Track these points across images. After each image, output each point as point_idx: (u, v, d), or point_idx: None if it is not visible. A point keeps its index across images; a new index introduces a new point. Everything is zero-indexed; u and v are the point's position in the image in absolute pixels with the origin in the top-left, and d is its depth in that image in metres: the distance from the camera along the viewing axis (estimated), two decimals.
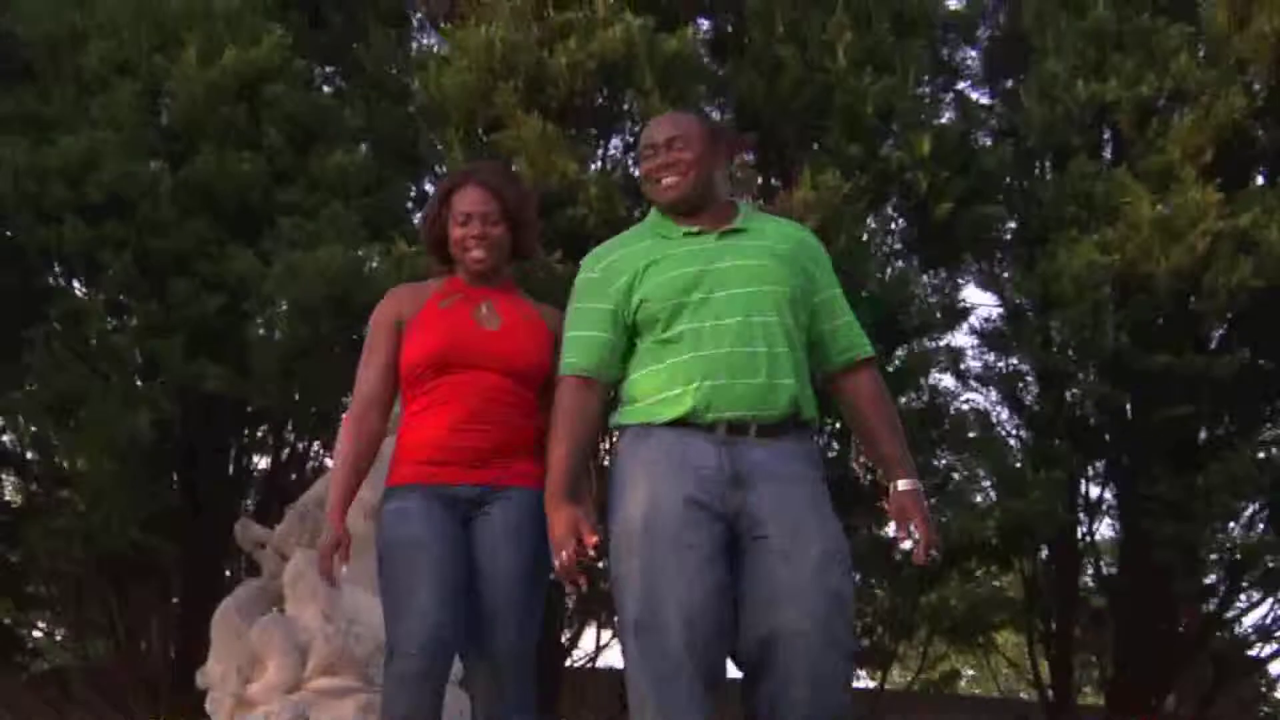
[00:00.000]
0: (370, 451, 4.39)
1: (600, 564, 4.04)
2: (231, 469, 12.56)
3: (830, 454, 11.37)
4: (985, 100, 13.02)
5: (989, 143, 12.34)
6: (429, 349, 4.32)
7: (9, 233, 11.06)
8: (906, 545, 4.04)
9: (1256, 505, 12.15)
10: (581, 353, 4.20)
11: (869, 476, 11.27)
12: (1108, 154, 12.18)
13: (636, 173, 4.64)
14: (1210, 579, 12.57)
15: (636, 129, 11.40)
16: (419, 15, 12.76)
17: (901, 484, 4.13)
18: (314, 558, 4.57)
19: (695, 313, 4.09)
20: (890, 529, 4.23)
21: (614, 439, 4.23)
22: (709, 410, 4.00)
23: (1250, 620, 16.94)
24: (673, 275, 4.12)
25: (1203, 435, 12.09)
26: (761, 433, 4.03)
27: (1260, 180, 11.94)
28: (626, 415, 4.16)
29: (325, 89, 12.46)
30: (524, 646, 4.25)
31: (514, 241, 4.49)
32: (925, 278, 12.16)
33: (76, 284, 11.69)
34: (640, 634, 3.89)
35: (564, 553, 3.93)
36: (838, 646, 3.89)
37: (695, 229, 4.22)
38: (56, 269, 11.56)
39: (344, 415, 4.47)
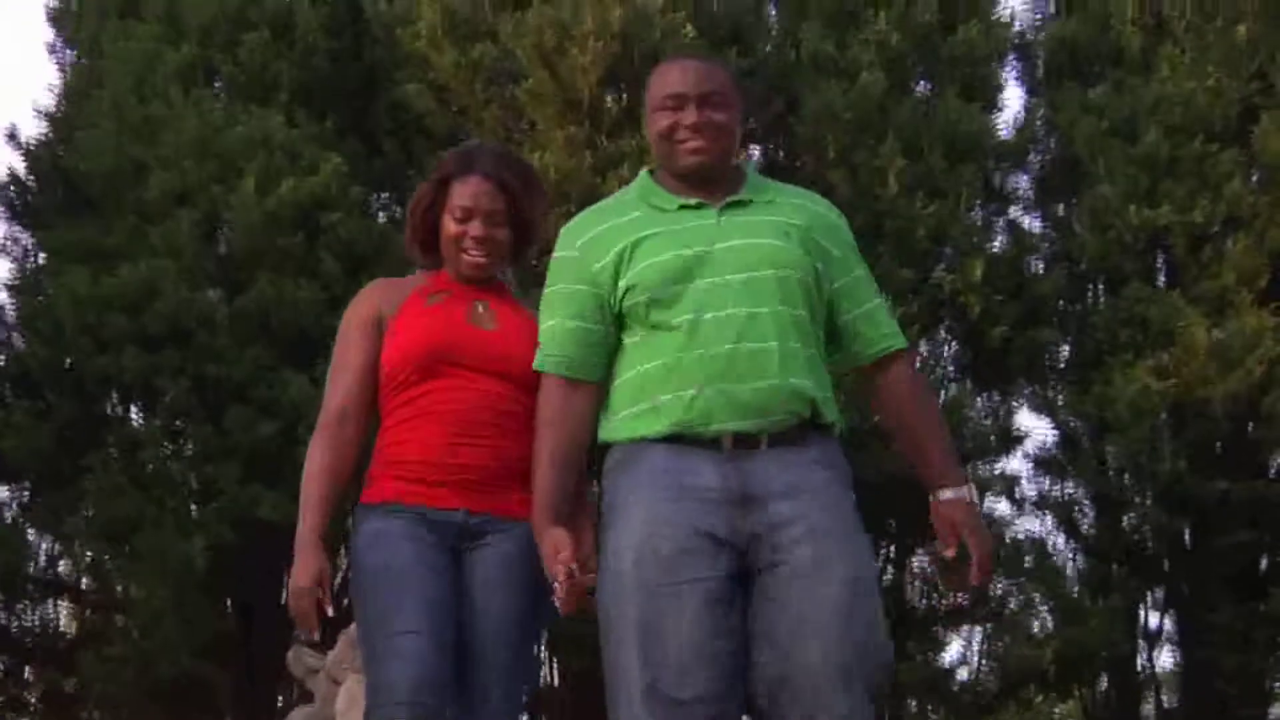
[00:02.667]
0: (349, 465, 3.77)
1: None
2: (284, 595, 12.54)
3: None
4: (1037, 226, 13.00)
5: (1041, 267, 12.32)
6: (415, 348, 3.73)
7: (69, 361, 11.16)
8: (950, 554, 3.49)
9: None
10: (563, 345, 3.59)
11: (924, 600, 11.17)
12: (1161, 279, 12.13)
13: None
14: (1276, 711, 12.36)
15: None
16: (473, 142, 12.90)
17: (945, 494, 3.54)
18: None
19: (693, 303, 3.46)
20: (935, 549, 3.73)
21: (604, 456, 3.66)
22: (710, 421, 3.42)
23: None
24: (667, 258, 3.50)
25: (1264, 563, 11.94)
26: (774, 442, 3.45)
27: None
28: (613, 430, 3.57)
29: (381, 216, 12.58)
30: (518, 699, 3.73)
31: (515, 243, 3.91)
32: (979, 402, 12.10)
33: (134, 411, 11.77)
34: (644, 697, 3.33)
35: (557, 583, 3.40)
36: (863, 690, 3.34)
37: (694, 200, 3.58)
38: (114, 397, 11.67)
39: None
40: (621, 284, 3.53)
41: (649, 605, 3.35)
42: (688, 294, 3.47)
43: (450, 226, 3.83)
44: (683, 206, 3.58)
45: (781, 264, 3.50)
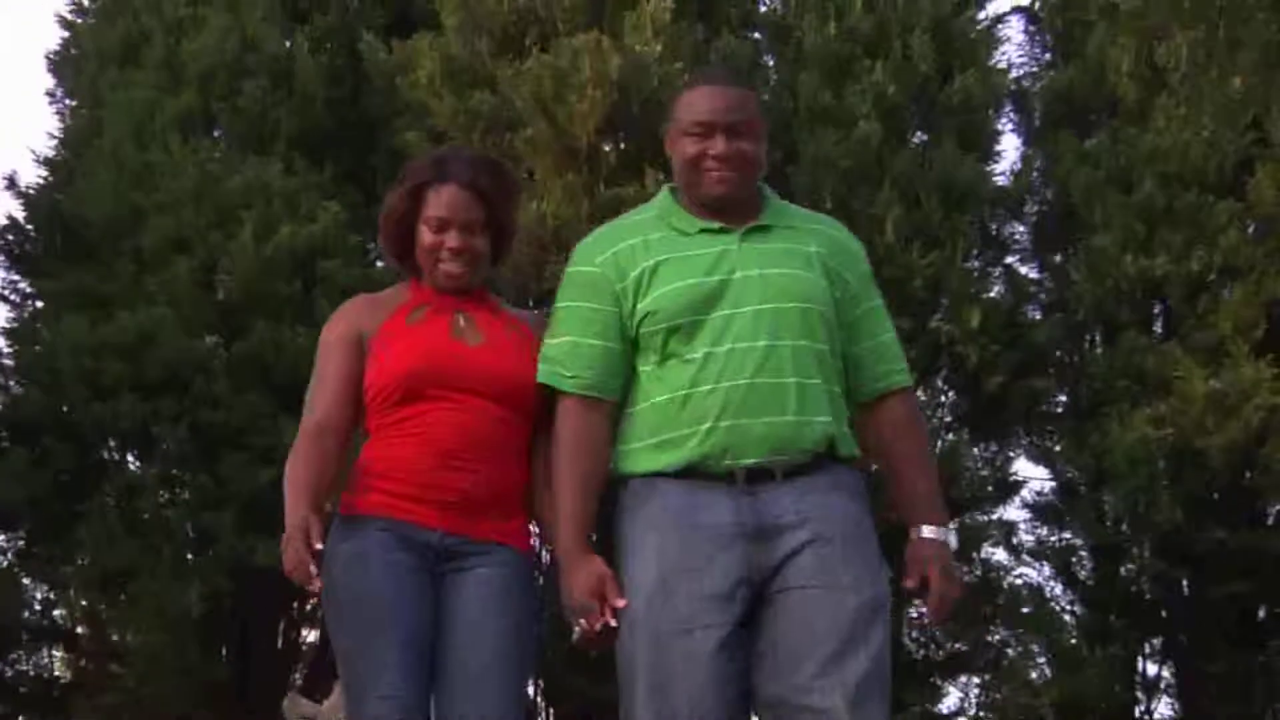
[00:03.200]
0: (329, 479, 3.56)
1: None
2: (280, 642, 12.50)
3: None
4: (1034, 274, 13.03)
5: (1038, 316, 12.34)
6: (399, 371, 3.56)
7: (65, 408, 11.15)
8: (909, 584, 3.38)
9: None
10: (582, 364, 3.46)
11: (921, 650, 11.13)
12: (1158, 328, 12.14)
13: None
14: None
15: None
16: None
17: (924, 530, 3.43)
18: None
19: (712, 334, 3.36)
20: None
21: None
22: (724, 456, 3.33)
23: None
24: (688, 284, 3.40)
25: (1262, 613, 11.90)
26: (789, 474, 3.36)
27: None
28: (626, 463, 3.45)
29: (378, 263, 12.59)
30: None
31: (492, 248, 3.73)
32: (976, 451, 12.09)
33: (131, 458, 11.75)
34: None
35: (586, 619, 3.30)
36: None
37: (715, 225, 3.47)
38: (111, 444, 11.64)
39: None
40: (640, 307, 3.43)
41: (659, 652, 3.26)
42: (707, 324, 3.37)
43: (426, 237, 3.66)
44: (704, 230, 3.48)
45: (803, 296, 3.41)
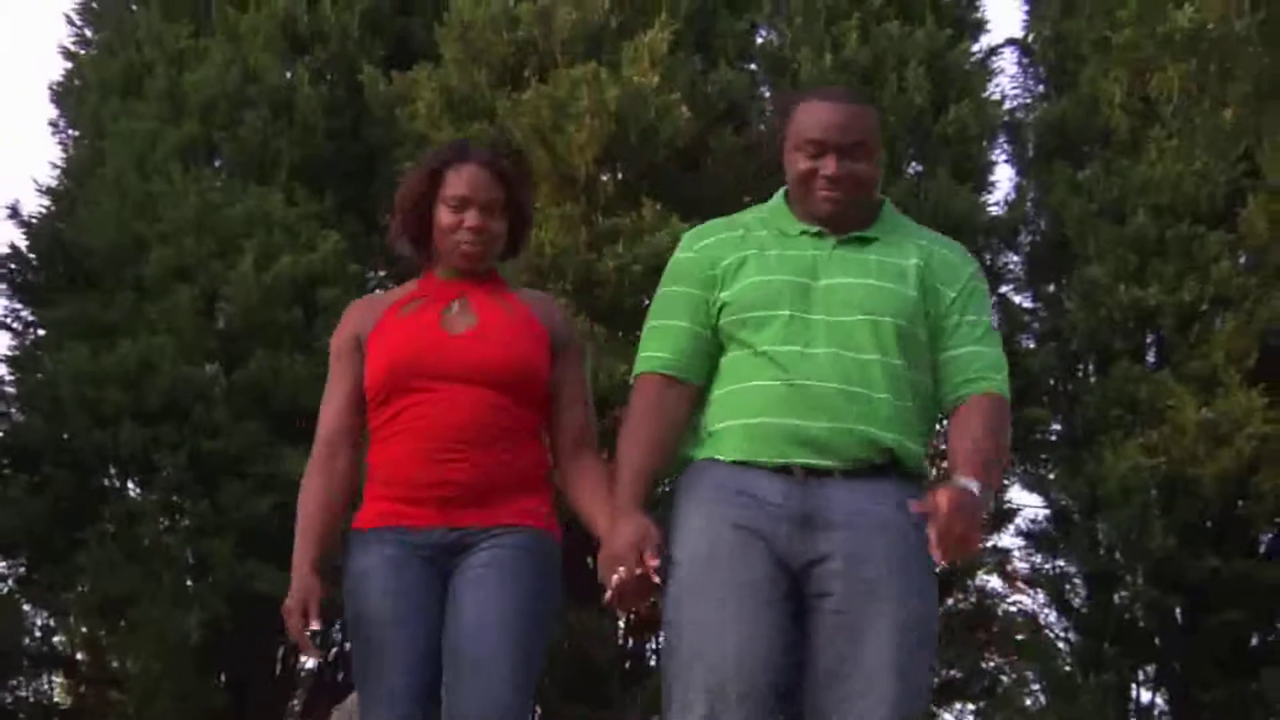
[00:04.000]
0: (343, 497, 3.55)
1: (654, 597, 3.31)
2: (279, 669, 12.47)
3: None
4: (1028, 304, 13.06)
5: (1032, 345, 12.35)
6: (383, 364, 3.52)
7: (66, 436, 11.14)
8: (915, 508, 3.10)
9: None
10: (663, 344, 3.41)
11: None
12: (1151, 357, 12.16)
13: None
14: None
15: None
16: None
17: (960, 480, 3.17)
18: None
19: (781, 333, 3.28)
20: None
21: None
22: (778, 455, 3.24)
23: None
24: (765, 280, 3.34)
25: (1255, 641, 11.89)
26: (847, 475, 3.24)
27: None
28: (688, 447, 3.39)
29: (378, 292, 12.59)
30: (517, 711, 3.34)
31: (510, 235, 3.68)
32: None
33: (131, 485, 11.74)
34: (701, 695, 3.15)
35: (620, 571, 3.18)
36: None
37: (815, 229, 3.40)
38: (112, 471, 11.63)
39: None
40: (723, 296, 3.37)
41: (704, 619, 3.19)
42: (777, 322, 3.30)
43: (445, 216, 3.59)
44: (804, 232, 3.41)
45: (882, 310, 3.30)
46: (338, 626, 12.39)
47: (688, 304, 3.41)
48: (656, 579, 3.19)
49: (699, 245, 3.47)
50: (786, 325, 3.29)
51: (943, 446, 3.54)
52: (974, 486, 3.18)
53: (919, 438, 3.36)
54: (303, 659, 13.05)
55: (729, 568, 3.20)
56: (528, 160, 10.81)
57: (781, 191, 3.52)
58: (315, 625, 3.40)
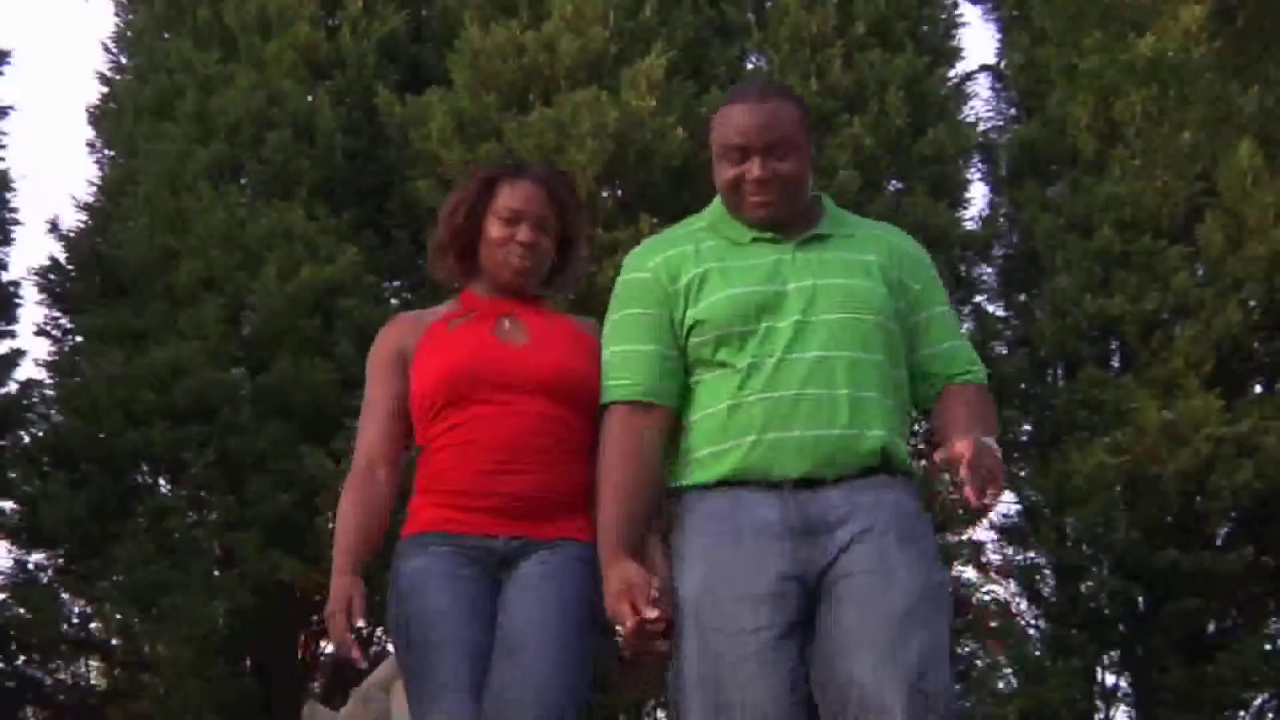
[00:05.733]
0: (381, 513, 3.27)
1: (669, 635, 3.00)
2: (301, 654, 12.48)
3: None
4: (1001, 313, 13.07)
5: (1004, 352, 12.36)
6: (440, 375, 3.23)
7: (102, 436, 11.16)
8: (939, 456, 2.84)
9: (1266, 696, 11.91)
10: (637, 372, 3.09)
11: None
12: (1115, 363, 12.18)
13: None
14: None
15: None
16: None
17: (969, 434, 2.89)
18: None
19: (762, 344, 3.00)
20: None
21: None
22: (771, 468, 2.97)
23: None
24: (738, 293, 3.04)
25: (1211, 628, 11.91)
26: (839, 480, 2.98)
27: (1258, 389, 11.92)
28: (678, 475, 3.11)
29: (394, 302, 12.62)
30: (567, 702, 3.06)
31: (559, 265, 3.42)
32: (946, 476, 12.07)
33: (162, 482, 11.75)
34: None
35: (623, 625, 2.92)
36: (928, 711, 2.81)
37: (768, 234, 3.12)
38: (144, 469, 11.64)
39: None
40: (690, 315, 3.07)
41: (709, 660, 2.91)
42: (756, 335, 3.02)
43: (495, 229, 3.31)
44: (756, 239, 3.13)
45: (860, 306, 3.05)
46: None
47: (650, 326, 3.12)
48: (660, 624, 2.93)
49: (651, 264, 3.16)
50: (764, 336, 3.02)
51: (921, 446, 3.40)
52: (985, 437, 2.92)
53: (903, 435, 3.13)
54: (323, 645, 13.08)
55: (733, 617, 2.92)
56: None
57: (718, 200, 3.24)
58: (359, 621, 3.15)
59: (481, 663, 3.08)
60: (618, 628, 2.97)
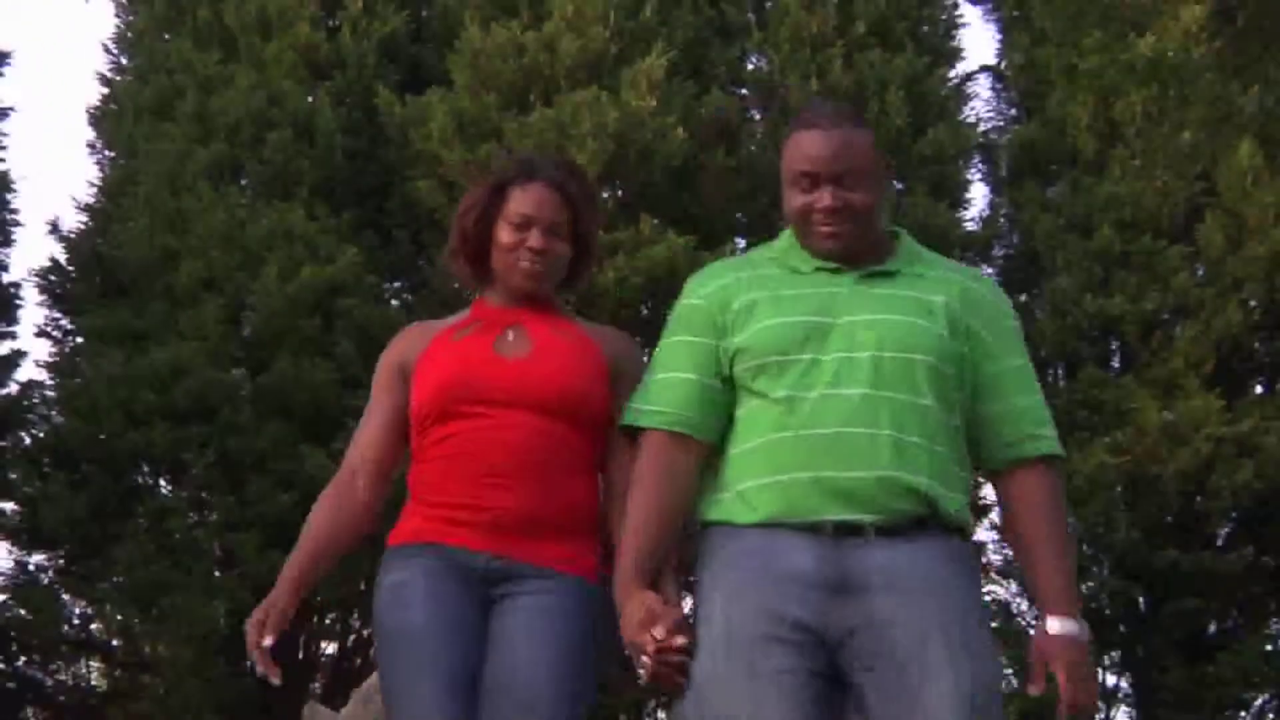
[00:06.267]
0: (353, 523, 3.20)
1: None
2: (301, 654, 12.47)
3: None
4: None
5: None
6: (434, 387, 3.15)
7: (102, 436, 11.15)
8: (1034, 690, 2.76)
9: (1266, 697, 11.90)
10: (669, 399, 2.97)
11: None
12: (1115, 363, 12.17)
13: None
14: None
15: None
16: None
17: (1051, 624, 2.84)
18: None
19: (802, 377, 2.85)
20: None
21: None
22: (808, 512, 2.80)
23: None
24: (782, 322, 2.91)
25: (1212, 628, 11.90)
26: (883, 533, 2.80)
27: (1259, 389, 11.91)
28: (709, 510, 2.96)
29: (394, 302, 12.61)
30: None
31: (571, 265, 3.30)
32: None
33: (163, 483, 11.74)
34: None
35: (644, 658, 2.78)
36: None
37: (832, 265, 2.99)
38: (145, 469, 11.63)
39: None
40: (735, 343, 2.94)
41: (727, 700, 2.74)
42: (798, 367, 2.87)
43: (505, 235, 3.20)
44: (819, 269, 3.00)
45: (913, 347, 2.88)
46: (355, 615, 12.42)
47: (694, 354, 2.99)
48: (682, 653, 2.79)
49: (705, 291, 3.04)
50: (806, 369, 2.87)
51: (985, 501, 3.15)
52: (1080, 632, 2.86)
53: (958, 486, 2.94)
54: (323, 646, 13.07)
55: (751, 659, 2.75)
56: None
57: (790, 229, 3.12)
58: (269, 640, 3.15)
59: (464, 684, 2.97)
60: (642, 657, 2.82)
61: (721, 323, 2.98)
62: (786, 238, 3.11)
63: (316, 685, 12.75)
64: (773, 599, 2.77)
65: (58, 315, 12.36)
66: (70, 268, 12.38)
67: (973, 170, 12.97)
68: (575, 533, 3.10)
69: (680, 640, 2.80)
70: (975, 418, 2.97)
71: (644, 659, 2.81)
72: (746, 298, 2.98)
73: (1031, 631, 11.60)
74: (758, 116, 12.66)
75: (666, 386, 3.00)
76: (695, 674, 2.81)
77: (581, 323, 3.32)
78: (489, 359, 3.17)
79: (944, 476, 2.88)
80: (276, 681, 3.07)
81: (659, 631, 2.79)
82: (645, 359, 3.19)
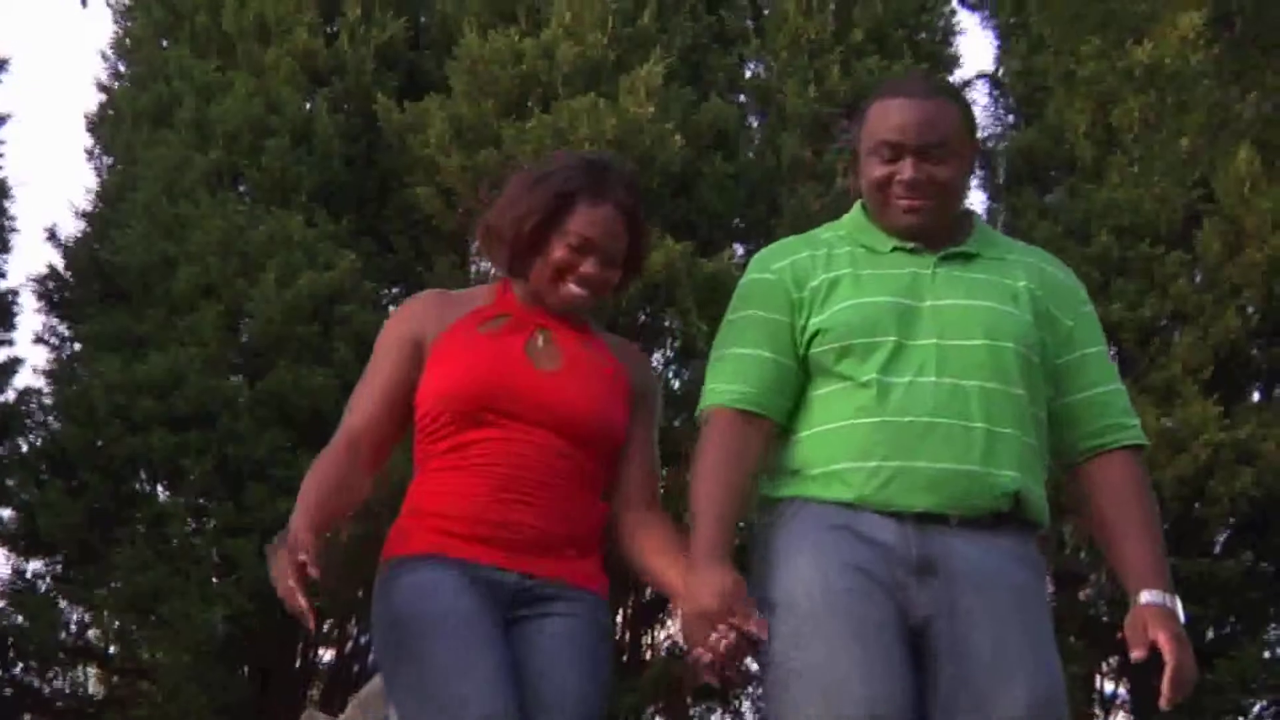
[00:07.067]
0: (353, 489, 2.89)
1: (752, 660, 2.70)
2: (299, 661, 12.47)
3: None
4: None
5: None
6: (461, 387, 2.87)
7: (100, 443, 11.14)
8: (1138, 655, 2.66)
9: (1264, 703, 11.90)
10: (741, 376, 2.80)
11: None
12: None
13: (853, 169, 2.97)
14: None
15: (677, 344, 11.49)
16: (477, 242, 12.93)
17: (1145, 595, 2.70)
18: None
19: (890, 361, 2.71)
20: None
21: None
22: (891, 500, 2.67)
23: None
24: (866, 302, 2.76)
25: (1210, 634, 11.89)
26: (965, 524, 2.68)
27: (1257, 395, 11.92)
28: (781, 486, 2.81)
29: (391, 308, 12.60)
30: None
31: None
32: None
33: (160, 489, 11.73)
34: None
35: (719, 629, 2.58)
36: None
37: (909, 245, 2.83)
38: (143, 475, 11.62)
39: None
40: (814, 323, 2.78)
41: (829, 646, 2.60)
42: (885, 349, 2.72)
43: (561, 251, 2.91)
44: (897, 249, 2.84)
45: (1002, 333, 2.74)
46: (353, 622, 12.40)
47: (768, 330, 2.81)
48: (760, 635, 2.60)
49: (776, 265, 2.87)
50: (893, 353, 2.73)
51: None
52: (1174, 604, 2.75)
53: (1039, 479, 2.80)
54: (321, 652, 13.06)
55: (847, 608, 2.63)
56: None
57: (859, 205, 2.96)
58: (313, 573, 2.66)
59: (508, 677, 2.71)
60: (713, 634, 2.61)
61: (797, 299, 2.82)
62: (855, 214, 2.95)
63: (314, 692, 12.75)
64: (864, 559, 2.64)
65: (56, 322, 12.37)
66: (68, 274, 12.38)
67: (971, 177, 12.98)
68: (590, 550, 2.93)
69: (758, 625, 2.59)
70: (1056, 406, 2.83)
71: (718, 630, 2.60)
72: (826, 276, 2.82)
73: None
74: (755, 123, 12.67)
75: (737, 363, 2.82)
76: (789, 629, 2.64)
77: (604, 335, 3.09)
78: (524, 368, 2.90)
79: (1031, 471, 2.75)
80: (311, 626, 2.69)
81: (740, 607, 2.59)
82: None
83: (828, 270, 2.83)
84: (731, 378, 2.82)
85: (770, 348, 2.81)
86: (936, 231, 2.85)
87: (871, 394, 2.71)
